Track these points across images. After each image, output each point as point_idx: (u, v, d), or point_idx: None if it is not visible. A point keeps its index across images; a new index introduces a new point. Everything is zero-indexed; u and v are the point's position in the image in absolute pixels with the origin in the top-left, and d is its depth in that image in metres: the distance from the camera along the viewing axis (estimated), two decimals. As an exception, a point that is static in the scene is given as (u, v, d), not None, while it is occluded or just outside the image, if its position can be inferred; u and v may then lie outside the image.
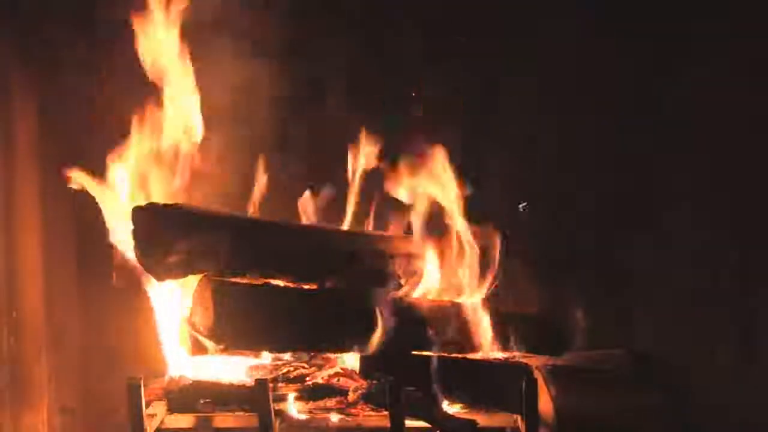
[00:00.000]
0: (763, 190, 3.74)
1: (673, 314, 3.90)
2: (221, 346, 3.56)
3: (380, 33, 4.10)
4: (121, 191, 3.74)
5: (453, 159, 3.86)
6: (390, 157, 3.95)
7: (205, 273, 3.56)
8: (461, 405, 3.53)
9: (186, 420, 3.49)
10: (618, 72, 4.05)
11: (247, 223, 3.77)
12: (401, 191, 3.88)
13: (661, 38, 3.97)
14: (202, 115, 3.87)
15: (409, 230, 3.88)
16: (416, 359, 3.63)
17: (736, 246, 3.79)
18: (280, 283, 3.69)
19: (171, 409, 3.51)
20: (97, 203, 3.72)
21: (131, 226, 3.55)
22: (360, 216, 3.98)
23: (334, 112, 4.06)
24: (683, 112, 3.93)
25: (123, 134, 3.79)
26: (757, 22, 3.63)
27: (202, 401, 3.52)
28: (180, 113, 3.84)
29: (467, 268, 3.81)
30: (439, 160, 3.86)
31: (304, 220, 3.95)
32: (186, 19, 3.82)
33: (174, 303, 3.69)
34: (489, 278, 3.82)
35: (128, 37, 3.82)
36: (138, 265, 3.55)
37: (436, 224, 3.85)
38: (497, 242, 3.83)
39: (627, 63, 4.04)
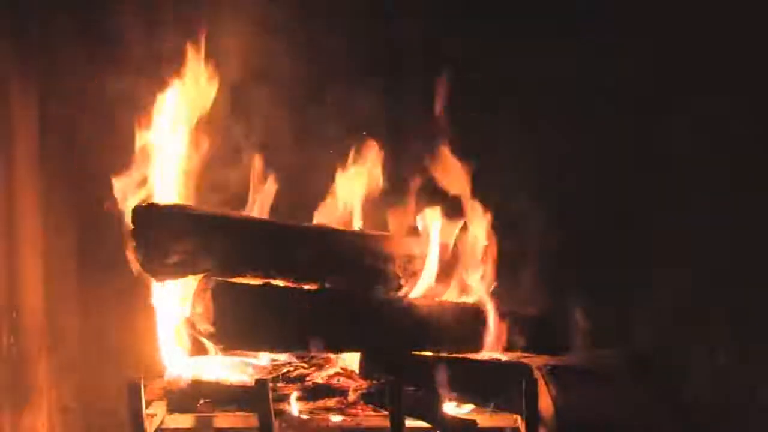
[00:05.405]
0: (763, 190, 3.75)
1: (673, 314, 3.90)
2: (221, 346, 3.56)
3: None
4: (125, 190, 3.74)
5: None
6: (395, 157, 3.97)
7: (205, 273, 3.57)
8: (466, 405, 3.53)
9: (186, 420, 3.49)
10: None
11: (247, 223, 3.77)
12: (404, 191, 3.90)
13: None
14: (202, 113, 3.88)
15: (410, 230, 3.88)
16: (416, 359, 3.63)
17: (736, 246, 3.80)
18: (280, 283, 3.69)
19: (171, 409, 3.51)
20: (97, 204, 3.72)
21: (131, 226, 3.55)
22: (362, 216, 3.98)
23: (336, 109, 4.05)
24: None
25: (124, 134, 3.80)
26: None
27: (202, 401, 3.52)
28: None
29: (467, 268, 3.82)
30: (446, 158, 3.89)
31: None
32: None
33: (174, 303, 3.69)
34: (489, 278, 3.83)
35: (129, 37, 3.83)
36: (138, 265, 3.56)
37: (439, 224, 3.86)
38: (497, 241, 3.85)
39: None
